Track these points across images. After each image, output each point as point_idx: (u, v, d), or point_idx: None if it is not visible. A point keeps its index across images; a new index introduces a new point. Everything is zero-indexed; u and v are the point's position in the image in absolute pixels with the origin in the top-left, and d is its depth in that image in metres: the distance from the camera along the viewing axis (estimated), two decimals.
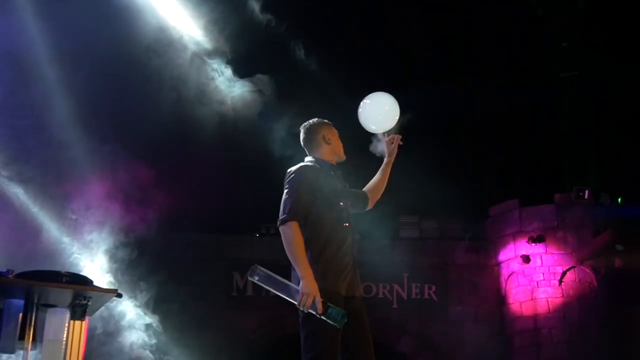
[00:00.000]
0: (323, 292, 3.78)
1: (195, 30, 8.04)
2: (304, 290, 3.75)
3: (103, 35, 7.51)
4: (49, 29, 7.84)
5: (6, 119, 7.55)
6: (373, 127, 4.58)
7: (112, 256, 8.50)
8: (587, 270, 12.36)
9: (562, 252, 12.57)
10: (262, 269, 3.85)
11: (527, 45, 14.84)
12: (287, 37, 8.08)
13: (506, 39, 14.10)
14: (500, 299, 13.27)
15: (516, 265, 12.89)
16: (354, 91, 5.00)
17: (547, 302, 12.45)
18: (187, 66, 7.96)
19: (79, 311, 4.14)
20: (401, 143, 4.59)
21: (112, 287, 6.45)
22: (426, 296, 13.28)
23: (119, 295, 4.36)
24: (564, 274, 12.38)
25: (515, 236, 13.07)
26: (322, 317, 3.71)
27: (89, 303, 4.18)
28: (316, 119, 4.41)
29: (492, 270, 13.47)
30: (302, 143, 4.41)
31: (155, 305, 9.22)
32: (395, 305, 13.15)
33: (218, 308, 12.11)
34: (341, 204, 4.16)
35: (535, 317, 12.51)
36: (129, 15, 7.51)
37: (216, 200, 11.59)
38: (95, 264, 8.35)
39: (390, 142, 4.58)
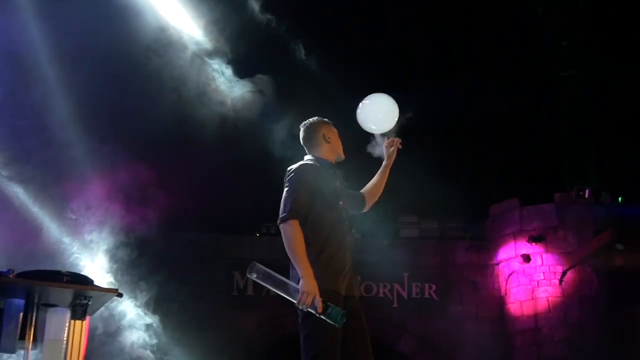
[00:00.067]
0: (322, 291, 3.77)
1: (195, 31, 8.04)
2: (304, 288, 3.73)
3: (103, 35, 7.51)
4: (49, 28, 7.85)
5: (6, 118, 7.55)
6: (373, 127, 4.57)
7: (113, 256, 8.50)
8: (588, 270, 12.36)
9: (562, 251, 12.57)
10: (260, 266, 3.83)
11: (527, 45, 14.83)
12: (287, 37, 8.08)
13: (506, 38, 14.10)
14: (501, 299, 13.27)
15: (516, 264, 12.89)
16: (354, 91, 5.00)
17: (548, 301, 12.45)
18: (187, 66, 7.96)
19: (79, 311, 4.14)
20: (400, 146, 4.57)
21: (112, 287, 6.44)
22: (426, 296, 13.28)
23: (120, 295, 4.36)
24: (564, 273, 12.38)
25: (515, 235, 13.07)
26: (322, 317, 3.70)
27: (90, 303, 4.18)
28: (316, 117, 4.41)
29: (492, 270, 13.47)
30: (301, 141, 4.41)
31: (156, 305, 9.23)
32: (395, 305, 13.15)
33: (218, 308, 12.10)
34: (340, 203, 4.16)
35: (535, 317, 12.51)
36: (129, 15, 7.51)
37: (216, 199, 11.59)
38: (95, 264, 8.35)
39: (390, 145, 4.56)
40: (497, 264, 13.41)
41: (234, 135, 8.63)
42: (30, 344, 4.07)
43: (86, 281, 4.35)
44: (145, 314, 9.02)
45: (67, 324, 4.12)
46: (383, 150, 4.59)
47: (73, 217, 8.41)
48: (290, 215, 3.93)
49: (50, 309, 4.14)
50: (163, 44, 7.84)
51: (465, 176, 13.53)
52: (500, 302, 13.26)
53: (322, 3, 11.67)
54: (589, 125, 14.64)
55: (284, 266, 3.97)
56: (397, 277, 13.15)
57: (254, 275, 3.84)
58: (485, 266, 13.49)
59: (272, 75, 7.85)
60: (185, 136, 9.45)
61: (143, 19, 7.63)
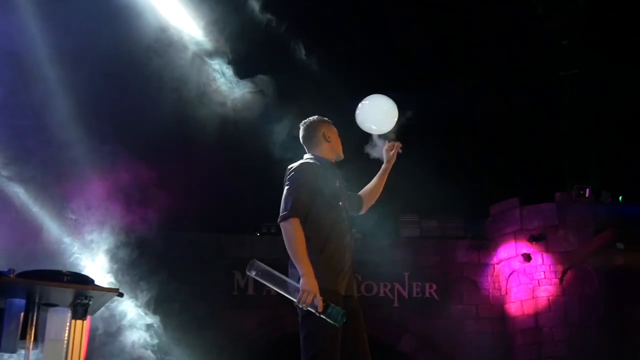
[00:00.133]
0: (322, 290, 3.75)
1: (195, 31, 8.03)
2: (305, 287, 3.72)
3: (103, 35, 7.50)
4: (49, 28, 7.84)
5: (6, 118, 7.55)
6: (373, 128, 4.56)
7: (113, 256, 8.50)
8: (588, 269, 12.37)
9: (563, 250, 12.58)
10: (260, 263, 3.81)
11: (527, 45, 14.86)
12: (288, 37, 8.07)
13: (506, 38, 14.11)
14: (501, 298, 13.28)
15: (517, 263, 12.90)
16: (355, 91, 4.99)
17: (548, 300, 12.46)
18: (188, 66, 7.95)
19: (80, 310, 4.14)
20: (400, 151, 4.55)
21: (113, 287, 6.45)
22: (427, 295, 13.29)
23: (121, 295, 4.35)
24: (564, 272, 12.39)
25: (516, 235, 13.08)
26: (322, 316, 3.69)
27: (91, 302, 4.17)
28: (316, 116, 4.40)
29: (493, 269, 13.48)
30: (301, 140, 4.39)
31: (156, 305, 9.23)
32: (396, 304, 13.16)
33: (219, 308, 12.11)
34: (340, 203, 4.15)
35: (536, 316, 12.52)
36: (130, 15, 7.51)
37: (217, 199, 11.61)
38: (95, 264, 8.35)
39: (390, 149, 4.52)
40: (498, 264, 13.43)
41: (234, 135, 8.62)
42: (31, 343, 4.06)
43: (87, 281, 4.35)
44: (146, 314, 9.02)
45: (67, 324, 4.11)
46: (382, 152, 4.56)
47: (73, 217, 8.41)
48: (291, 213, 3.91)
49: (51, 309, 4.13)
50: (163, 44, 7.83)
51: (466, 176, 13.55)
52: (500, 301, 13.28)
53: (322, 3, 11.67)
54: (589, 125, 14.66)
55: (284, 265, 3.96)
56: (397, 277, 13.16)
57: (254, 273, 3.81)
58: (485, 265, 13.50)
59: (272, 75, 7.84)
60: (185, 136, 9.45)
61: (143, 19, 7.62)
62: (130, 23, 7.49)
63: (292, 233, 3.88)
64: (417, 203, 13.13)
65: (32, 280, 4.04)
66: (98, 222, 8.42)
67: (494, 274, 13.46)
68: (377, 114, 4.55)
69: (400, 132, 4.61)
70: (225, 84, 7.96)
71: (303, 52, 7.94)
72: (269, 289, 3.90)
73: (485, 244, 13.59)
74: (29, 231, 8.00)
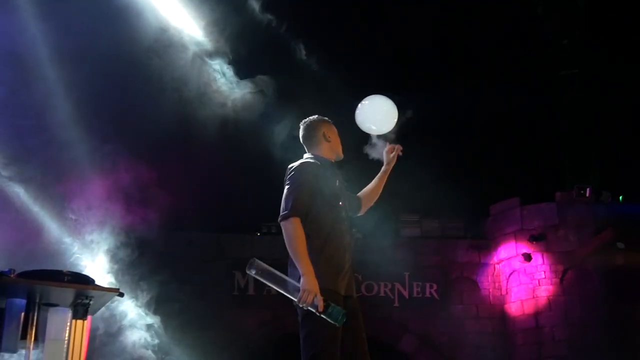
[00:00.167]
0: (322, 290, 3.74)
1: (196, 31, 8.03)
2: (305, 287, 3.71)
3: (104, 35, 7.51)
4: (50, 28, 7.84)
5: (7, 118, 7.56)
6: (373, 128, 4.55)
7: (113, 256, 8.50)
8: (589, 269, 12.37)
9: (563, 250, 12.58)
10: (260, 262, 3.79)
11: (527, 45, 14.85)
12: (288, 37, 8.08)
13: (506, 38, 14.11)
14: (502, 298, 13.28)
15: (517, 263, 12.90)
16: (355, 91, 4.99)
17: (549, 300, 12.46)
18: (188, 67, 7.95)
19: (80, 310, 4.14)
20: (401, 154, 4.53)
21: (113, 287, 6.45)
22: (427, 295, 13.29)
23: (121, 295, 4.35)
24: (565, 272, 12.39)
25: (516, 234, 13.08)
26: (322, 316, 3.68)
27: (91, 302, 4.17)
28: (316, 116, 4.39)
29: (493, 269, 13.48)
30: (301, 140, 4.38)
31: (157, 305, 9.23)
32: (396, 304, 13.17)
33: (219, 307, 12.11)
34: (341, 203, 4.15)
35: (536, 315, 12.52)
36: (130, 16, 7.51)
37: (217, 199, 11.61)
38: (96, 264, 8.35)
39: (390, 151, 4.51)
40: (498, 263, 13.43)
41: (235, 135, 8.63)
42: (32, 343, 4.05)
43: (87, 281, 4.34)
44: (146, 314, 9.02)
45: (68, 324, 4.11)
46: (382, 154, 4.54)
47: (73, 217, 8.41)
48: (292, 212, 3.90)
49: (52, 309, 4.13)
50: (164, 44, 7.83)
51: (466, 175, 13.55)
52: (501, 301, 13.28)
53: (323, 3, 11.68)
54: (589, 124, 14.67)
55: (285, 265, 3.95)
56: (398, 277, 13.17)
57: (253, 272, 3.79)
58: (486, 265, 13.50)
59: (273, 75, 7.84)
60: (186, 136, 9.46)
61: (144, 19, 7.62)
62: (131, 23, 7.49)
63: (292, 232, 3.87)
64: (417, 203, 13.13)
65: (32, 280, 4.04)
66: (98, 222, 8.43)
67: (495, 273, 13.47)
68: (377, 114, 4.54)
69: (401, 131, 4.61)
70: (226, 84, 7.96)
71: (303, 52, 7.95)
72: (270, 289, 3.89)
73: (486, 244, 13.59)
74: (30, 231, 8.00)
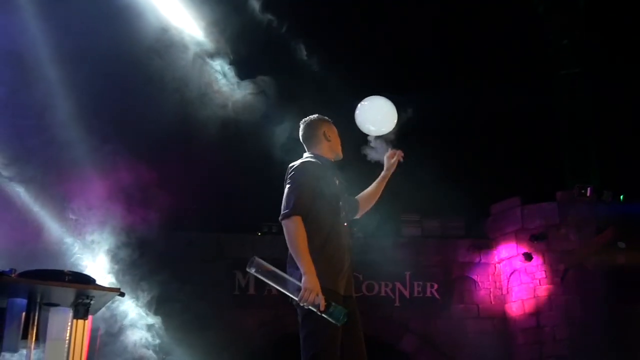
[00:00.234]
0: (322, 290, 3.74)
1: (196, 31, 8.04)
2: (307, 285, 3.70)
3: (104, 35, 7.51)
4: (50, 28, 7.85)
5: (7, 118, 7.56)
6: (372, 129, 4.54)
7: (114, 256, 8.51)
8: (589, 268, 12.36)
9: (564, 249, 12.56)
10: (260, 261, 3.78)
11: (527, 44, 14.85)
12: (289, 37, 8.08)
13: (506, 38, 14.10)
14: (502, 297, 13.28)
15: (518, 263, 12.90)
16: (356, 92, 4.98)
17: (549, 300, 12.45)
18: (189, 67, 7.96)
19: (81, 310, 4.14)
20: (401, 160, 4.53)
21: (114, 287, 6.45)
22: (428, 294, 13.28)
23: (122, 294, 4.36)
24: (566, 271, 12.37)
25: (517, 234, 13.07)
26: (324, 315, 3.68)
27: (92, 302, 4.18)
28: (316, 115, 4.39)
29: (494, 268, 13.48)
30: (301, 139, 4.38)
31: (158, 305, 9.24)
32: (397, 304, 13.16)
33: (220, 307, 12.10)
34: (340, 204, 4.15)
35: (537, 315, 12.52)
36: (131, 16, 7.51)
37: (217, 199, 11.61)
38: (96, 264, 8.36)
39: (391, 157, 4.51)
40: (499, 263, 13.43)
41: (235, 134, 8.63)
42: (33, 343, 4.06)
43: (88, 280, 4.35)
44: (147, 314, 9.03)
45: (69, 323, 4.12)
46: (381, 154, 4.53)
47: (73, 217, 8.42)
48: (294, 211, 3.89)
49: (53, 309, 4.14)
50: (164, 45, 7.84)
51: (467, 175, 13.55)
52: (501, 300, 13.28)
53: (323, 3, 11.68)
54: (590, 124, 14.66)
55: (285, 265, 3.96)
56: (398, 276, 13.16)
57: (254, 270, 3.78)
58: (486, 265, 13.50)
59: (273, 75, 7.85)
60: (186, 136, 9.46)
61: (144, 19, 7.63)
62: (132, 23, 7.50)
63: (294, 231, 3.86)
64: (418, 202, 13.12)
65: (33, 280, 4.04)
66: (99, 222, 8.43)
67: (495, 273, 13.47)
68: (377, 115, 4.54)
69: (401, 132, 4.61)
70: (227, 85, 7.97)
71: (304, 52, 7.95)
72: (270, 289, 3.91)
73: (487, 243, 13.59)
74: (30, 231, 8.02)
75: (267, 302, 11.99)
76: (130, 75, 7.87)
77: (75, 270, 5.67)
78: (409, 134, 4.69)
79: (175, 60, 7.91)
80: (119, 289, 4.39)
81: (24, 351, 4.16)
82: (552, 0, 15.00)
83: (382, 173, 4.53)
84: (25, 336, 4.06)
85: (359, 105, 4.57)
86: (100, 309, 4.64)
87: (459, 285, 13.41)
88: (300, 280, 3.76)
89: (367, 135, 4.59)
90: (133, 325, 8.82)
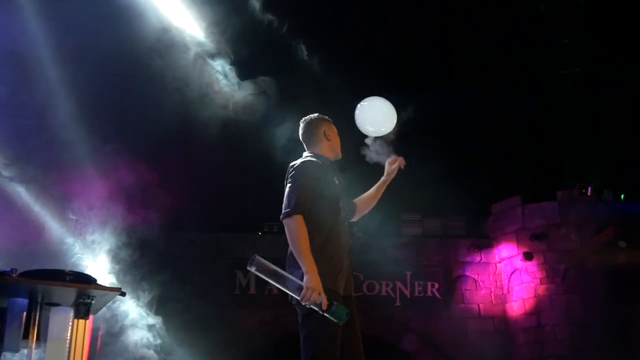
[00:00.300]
0: (323, 290, 3.74)
1: (197, 32, 8.04)
2: (309, 284, 3.69)
3: (105, 35, 7.51)
4: (51, 28, 7.85)
5: (8, 118, 7.56)
6: (371, 129, 4.54)
7: (115, 256, 8.51)
8: (590, 268, 12.36)
9: (564, 249, 12.56)
10: (261, 259, 3.77)
11: (528, 44, 14.85)
12: (289, 37, 8.08)
13: (507, 37, 14.11)
14: (503, 297, 13.28)
15: (519, 262, 12.90)
16: (357, 92, 4.98)
17: (550, 299, 12.45)
18: (190, 67, 7.96)
19: (82, 310, 4.14)
20: (402, 167, 4.52)
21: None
22: (429, 294, 13.29)
23: (123, 294, 4.36)
24: (566, 271, 12.37)
25: (517, 233, 13.08)
26: (326, 314, 3.67)
27: (93, 302, 4.18)
28: (316, 114, 4.39)
29: (494, 268, 13.48)
30: (301, 138, 4.38)
31: (158, 305, 9.24)
32: (398, 303, 13.16)
33: (221, 307, 12.11)
34: (340, 204, 4.14)
35: (538, 314, 12.52)
36: (131, 16, 7.51)
37: (218, 199, 11.61)
38: (97, 264, 8.36)
39: (392, 163, 4.49)
40: (500, 262, 13.43)
41: (236, 134, 8.63)
42: (34, 343, 4.06)
43: (89, 280, 4.34)
44: (148, 314, 9.03)
45: (70, 323, 4.12)
46: (380, 156, 4.52)
47: (74, 217, 8.42)
48: (295, 210, 3.88)
49: (54, 308, 4.14)
50: (165, 45, 7.84)
51: (468, 175, 13.54)
52: (502, 300, 13.28)
53: (324, 3, 11.68)
54: (590, 123, 14.66)
55: (285, 264, 3.96)
56: (399, 276, 13.17)
57: (254, 268, 3.77)
58: (487, 264, 13.50)
59: (274, 75, 7.84)
60: (187, 136, 9.46)
61: (145, 19, 7.63)
62: (132, 23, 7.49)
63: (296, 229, 3.85)
64: (419, 202, 13.13)
65: (34, 279, 4.04)
66: (100, 222, 8.43)
67: (496, 272, 13.47)
68: (376, 115, 4.53)
69: (402, 131, 4.60)
70: (227, 85, 7.96)
71: (304, 52, 7.95)
72: (271, 288, 3.91)
73: (487, 243, 13.59)
74: (31, 231, 8.01)
75: (268, 302, 11.99)
76: (131, 76, 7.87)
77: (76, 270, 5.68)
78: (409, 133, 4.69)
79: (176, 61, 7.90)
80: (120, 288, 4.39)
81: (25, 351, 4.16)
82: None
83: (382, 178, 4.52)
84: (26, 336, 4.06)
85: (358, 106, 4.57)
86: (101, 308, 4.64)
87: (459, 284, 13.41)
88: (301, 279, 3.76)
89: (367, 135, 4.58)
90: (134, 325, 8.82)
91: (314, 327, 3.78)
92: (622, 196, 12.81)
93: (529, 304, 12.70)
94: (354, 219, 4.48)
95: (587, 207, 12.67)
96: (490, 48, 14.44)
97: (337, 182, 4.18)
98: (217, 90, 7.94)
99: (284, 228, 3.95)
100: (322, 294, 3.69)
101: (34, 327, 4.08)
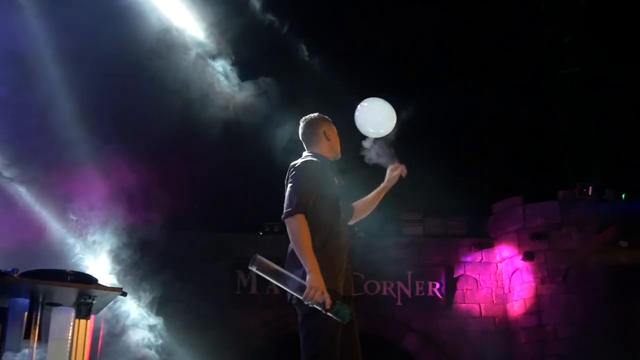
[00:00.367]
0: None
1: (198, 32, 8.04)
2: (312, 283, 3.68)
3: (106, 35, 7.52)
4: (52, 28, 7.85)
5: (9, 118, 7.56)
6: (371, 130, 4.54)
7: (116, 257, 8.52)
8: (591, 267, 12.35)
9: (565, 248, 12.57)
10: (262, 258, 3.76)
11: (529, 43, 14.84)
12: (290, 38, 8.08)
13: (507, 37, 14.09)
14: (504, 296, 13.29)
15: (520, 262, 12.90)
16: (357, 92, 4.98)
17: (551, 298, 12.45)
18: (191, 68, 7.96)
19: (84, 310, 4.15)
20: (403, 176, 4.51)
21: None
22: (430, 294, 13.29)
23: (124, 294, 4.36)
24: (567, 270, 12.38)
25: (518, 233, 13.08)
26: (329, 314, 3.67)
27: (94, 302, 4.19)
28: (316, 113, 4.39)
29: (495, 267, 13.49)
30: (301, 137, 4.38)
31: (159, 305, 9.24)
32: (399, 303, 13.16)
33: (222, 307, 12.11)
34: (340, 204, 4.15)
35: (539, 314, 12.52)
36: (132, 16, 7.51)
37: (219, 199, 11.61)
38: (98, 264, 8.36)
39: (394, 170, 4.49)
40: (501, 262, 13.43)
41: (237, 134, 8.63)
42: (35, 343, 4.07)
43: (90, 280, 4.35)
44: (149, 314, 9.03)
45: (71, 323, 4.13)
46: (379, 158, 4.53)
47: (75, 217, 8.42)
48: (297, 209, 3.88)
49: (55, 308, 4.15)
50: (166, 45, 7.84)
51: (468, 174, 13.53)
52: (503, 299, 13.29)
53: (324, 4, 11.68)
54: (591, 122, 14.65)
55: (285, 264, 3.95)
56: (400, 275, 13.17)
57: (255, 268, 3.76)
58: (488, 264, 13.50)
59: (275, 76, 7.85)
60: (187, 136, 9.46)
61: (146, 19, 7.63)
62: (133, 24, 7.49)
63: (298, 229, 3.85)
64: (420, 201, 13.12)
65: (35, 279, 4.05)
66: (100, 222, 8.44)
67: (497, 272, 13.48)
68: (376, 117, 4.54)
69: (403, 130, 4.60)
70: (228, 86, 7.97)
71: (305, 52, 7.95)
72: (272, 288, 3.91)
73: (488, 243, 13.59)
74: (32, 231, 8.01)
75: (269, 302, 11.99)
76: (131, 76, 7.87)
77: (77, 270, 5.69)
78: (410, 133, 4.69)
79: (177, 61, 7.90)
80: (121, 288, 4.40)
81: (27, 351, 4.16)
82: None
83: (382, 184, 4.52)
84: (27, 336, 4.07)
85: (358, 107, 4.57)
86: (102, 308, 4.65)
87: (460, 284, 13.41)
88: (301, 278, 3.76)
89: (367, 136, 4.58)
90: (135, 325, 8.82)
91: (314, 327, 3.78)
92: (623, 195, 12.81)
93: (529, 304, 12.70)
94: (351, 222, 4.46)
95: (588, 206, 12.67)
96: (490, 48, 14.42)
97: (337, 182, 4.18)
98: (218, 91, 7.94)
99: (285, 228, 3.95)
100: (326, 293, 3.68)
101: (36, 327, 4.09)
